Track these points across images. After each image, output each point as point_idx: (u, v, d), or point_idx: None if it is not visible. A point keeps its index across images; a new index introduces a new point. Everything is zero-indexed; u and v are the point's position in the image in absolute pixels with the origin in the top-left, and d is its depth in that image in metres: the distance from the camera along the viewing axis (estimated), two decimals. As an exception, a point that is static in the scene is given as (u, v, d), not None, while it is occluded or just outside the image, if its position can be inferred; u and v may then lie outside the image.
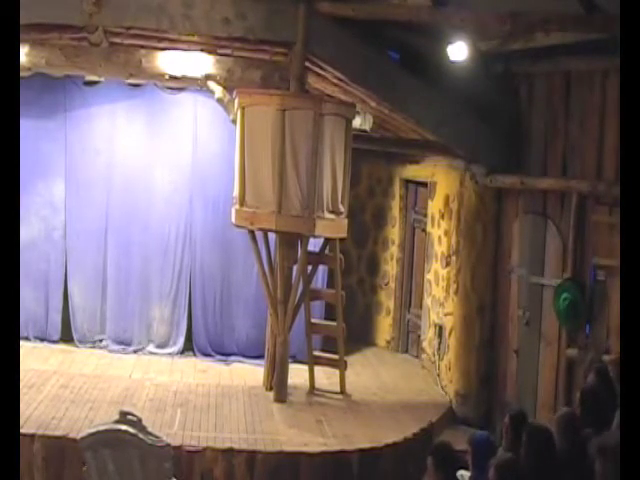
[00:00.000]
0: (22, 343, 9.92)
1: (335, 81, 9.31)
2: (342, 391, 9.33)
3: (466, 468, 5.22)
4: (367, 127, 10.06)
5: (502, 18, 7.94)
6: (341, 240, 9.26)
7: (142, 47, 9.04)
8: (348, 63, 8.81)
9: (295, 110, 8.53)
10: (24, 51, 8.64)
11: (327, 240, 9.18)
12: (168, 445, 6.74)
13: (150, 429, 6.68)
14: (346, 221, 9.08)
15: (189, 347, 10.40)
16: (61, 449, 7.14)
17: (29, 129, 9.81)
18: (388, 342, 11.84)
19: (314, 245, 9.37)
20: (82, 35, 8.69)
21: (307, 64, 8.92)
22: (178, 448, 7.11)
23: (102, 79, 9.84)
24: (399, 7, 8.58)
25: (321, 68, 9.07)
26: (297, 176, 8.51)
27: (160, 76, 9.25)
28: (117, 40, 8.86)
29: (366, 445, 7.86)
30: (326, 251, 9.36)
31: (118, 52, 9.00)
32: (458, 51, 8.34)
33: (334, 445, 7.78)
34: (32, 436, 7.07)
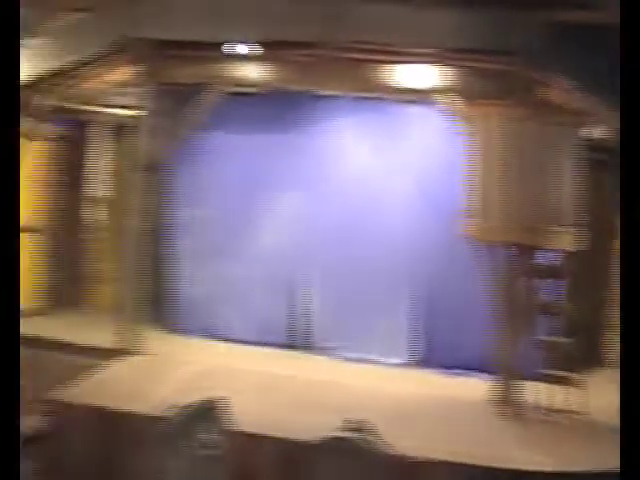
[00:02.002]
0: (258, 348, 10.42)
1: (565, 91, 8.99)
2: (576, 410, 8.92)
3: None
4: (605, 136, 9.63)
5: None
6: (573, 253, 8.90)
7: (372, 61, 9.18)
8: (578, 72, 8.49)
9: (525, 121, 8.34)
10: (258, 68, 9.10)
11: (560, 252, 8.86)
12: (400, 456, 6.74)
13: (380, 439, 6.70)
14: (579, 233, 8.72)
15: (414, 358, 10.40)
16: (295, 453, 7.30)
17: (264, 144, 10.32)
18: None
19: (547, 258, 9.05)
20: (316, 51, 8.96)
21: (536, 74, 8.69)
22: (409, 459, 7.08)
23: (333, 93, 10.09)
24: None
25: (550, 78, 8.79)
26: (528, 188, 8.29)
27: (389, 89, 9.35)
28: (348, 55, 9.05)
29: (602, 469, 7.47)
30: (560, 264, 9.04)
31: (349, 66, 9.18)
32: None
33: (566, 466, 7.46)
34: (265, 438, 7.30)
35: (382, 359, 10.40)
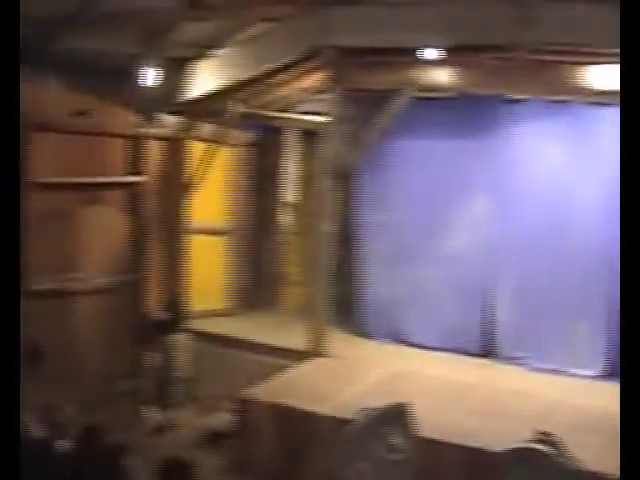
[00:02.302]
0: (444, 354, 10.34)
1: None
2: None
3: None
4: None
5: None
6: None
7: (563, 63, 8.94)
8: None
9: None
10: (447, 73, 9.04)
11: None
12: (593, 473, 6.51)
13: (570, 453, 6.50)
14: None
15: (607, 371, 9.98)
16: (482, 462, 7.19)
17: (453, 148, 10.27)
18: None
19: None
20: (505, 54, 8.80)
21: None
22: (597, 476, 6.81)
23: (523, 97, 9.88)
24: None
25: None
26: None
27: (581, 91, 9.07)
28: (539, 57, 8.84)
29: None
30: None
31: (540, 69, 8.99)
32: None
33: None
34: (451, 445, 7.30)
35: (572, 370, 10.07)
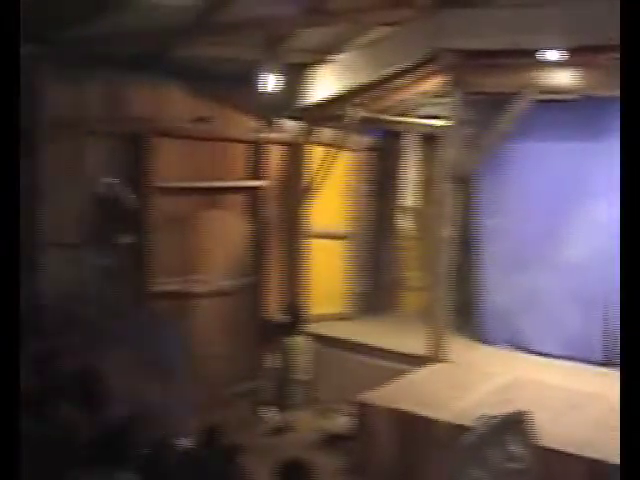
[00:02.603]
0: (563, 362, 10.11)
1: None
2: None
3: None
4: None
5: None
6: None
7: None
8: None
9: None
10: (569, 74, 8.84)
11: None
12: None
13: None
14: None
15: None
16: (603, 475, 7.00)
17: (574, 151, 10.05)
18: None
19: None
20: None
21: None
22: None
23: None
24: None
25: None
26: None
27: None
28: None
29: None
30: None
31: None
32: None
33: None
34: (571, 456, 7.13)
35: None
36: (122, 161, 9.51)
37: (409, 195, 12.26)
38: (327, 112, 10.92)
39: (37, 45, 8.48)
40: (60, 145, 8.91)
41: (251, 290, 10.98)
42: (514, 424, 6.58)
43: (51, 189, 8.79)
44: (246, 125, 10.75)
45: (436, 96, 10.45)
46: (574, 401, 8.58)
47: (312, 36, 9.89)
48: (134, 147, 9.56)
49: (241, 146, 10.73)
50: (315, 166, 11.29)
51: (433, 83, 9.94)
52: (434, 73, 9.56)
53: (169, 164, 9.89)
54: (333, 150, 11.30)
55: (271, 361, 10.36)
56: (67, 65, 8.91)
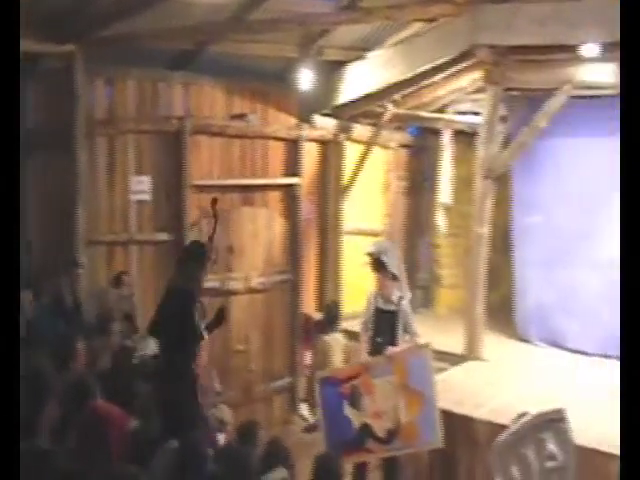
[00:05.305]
0: (602, 360, 9.95)
1: None
2: None
3: None
4: None
5: None
6: None
7: None
8: None
9: None
10: (608, 70, 8.74)
11: None
12: None
13: None
14: None
15: None
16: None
17: (612, 147, 9.89)
18: None
19: None
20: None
21: None
22: None
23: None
24: None
25: None
26: None
27: None
28: None
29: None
30: None
31: None
32: None
33: None
34: (612, 456, 6.99)
35: None
36: (160, 159, 9.59)
37: (445, 192, 12.20)
38: (363, 109, 10.90)
39: (75, 44, 8.58)
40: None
41: (287, 287, 11.01)
42: (552, 423, 6.53)
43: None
44: (283, 122, 10.77)
45: (473, 92, 10.40)
46: (612, 399, 8.51)
47: (349, 33, 9.89)
48: (172, 145, 9.63)
49: (278, 143, 10.75)
50: (351, 163, 11.29)
51: (469, 79, 9.90)
52: (470, 69, 9.52)
53: (207, 161, 9.95)
54: (369, 147, 11.29)
55: (307, 358, 10.38)
56: (104, 63, 9.01)
